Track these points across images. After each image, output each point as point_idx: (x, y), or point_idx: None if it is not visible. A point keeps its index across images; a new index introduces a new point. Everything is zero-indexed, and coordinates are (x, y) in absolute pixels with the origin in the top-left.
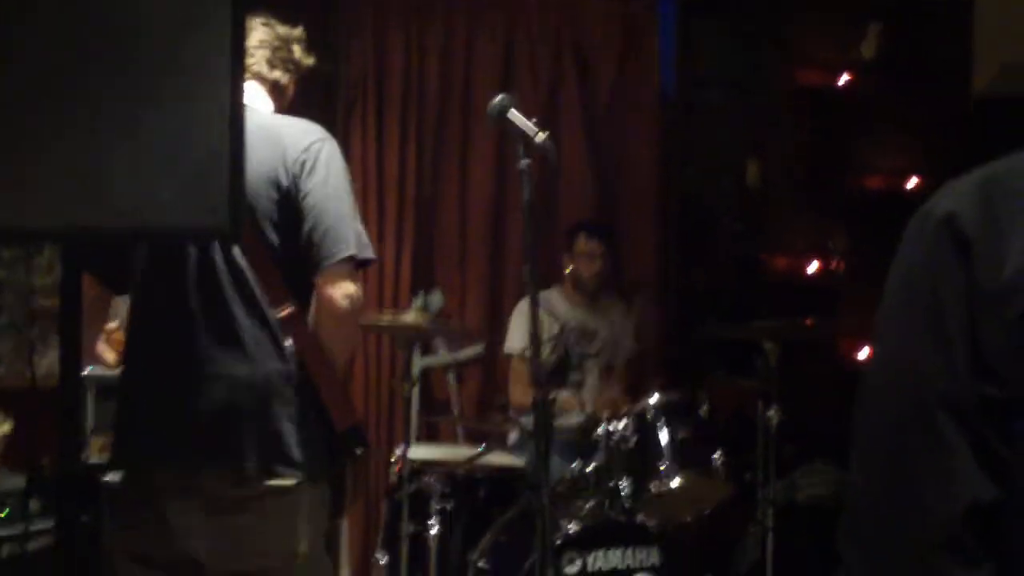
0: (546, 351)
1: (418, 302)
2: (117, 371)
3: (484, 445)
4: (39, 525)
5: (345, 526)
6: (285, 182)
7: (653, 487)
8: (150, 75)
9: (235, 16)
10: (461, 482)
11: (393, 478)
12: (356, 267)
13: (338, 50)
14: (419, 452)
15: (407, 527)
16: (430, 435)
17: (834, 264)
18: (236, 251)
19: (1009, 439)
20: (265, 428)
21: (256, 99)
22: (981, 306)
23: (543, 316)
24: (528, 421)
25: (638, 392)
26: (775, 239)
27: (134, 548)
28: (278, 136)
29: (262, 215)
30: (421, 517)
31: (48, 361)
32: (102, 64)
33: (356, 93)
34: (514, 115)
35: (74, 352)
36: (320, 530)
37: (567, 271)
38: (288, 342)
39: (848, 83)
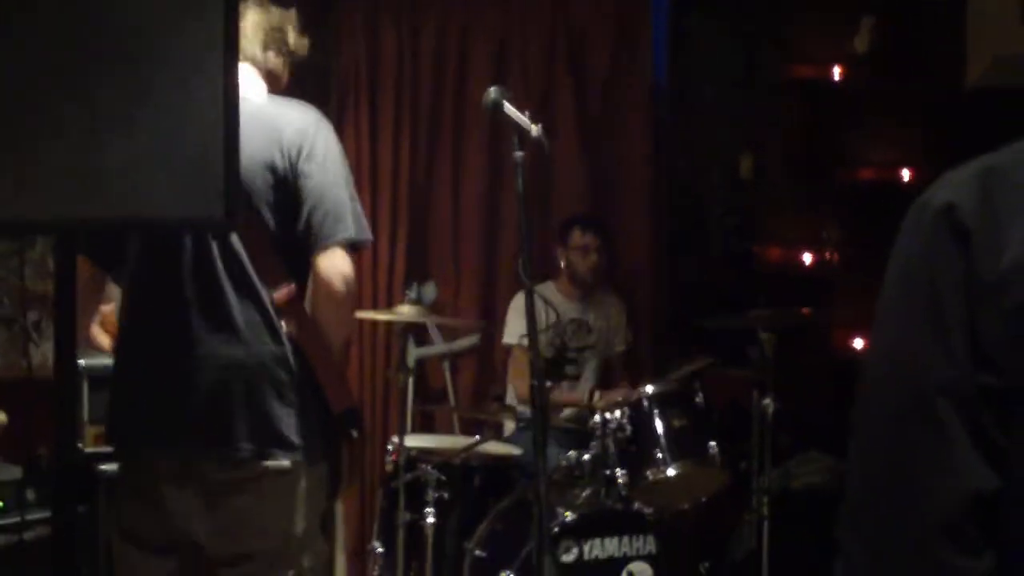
0: (543, 342)
1: (411, 294)
2: (110, 357)
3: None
4: (36, 515)
5: (341, 515)
6: (281, 165)
7: (649, 475)
8: (146, 69)
9: (228, 6)
10: (457, 471)
11: (389, 467)
12: (353, 249)
13: (331, 42)
14: (415, 441)
15: (403, 516)
16: (425, 425)
17: (828, 256)
18: (232, 236)
19: (1008, 428)
20: (261, 410)
21: (250, 83)
22: (979, 296)
23: (540, 307)
24: (525, 410)
25: (635, 384)
26: (769, 231)
27: (133, 532)
28: (273, 120)
29: (258, 199)
30: (417, 506)
31: (43, 351)
32: (98, 60)
33: (349, 85)
34: (508, 108)
35: (70, 341)
36: (317, 511)
37: (562, 265)
38: (284, 325)
39: (841, 76)
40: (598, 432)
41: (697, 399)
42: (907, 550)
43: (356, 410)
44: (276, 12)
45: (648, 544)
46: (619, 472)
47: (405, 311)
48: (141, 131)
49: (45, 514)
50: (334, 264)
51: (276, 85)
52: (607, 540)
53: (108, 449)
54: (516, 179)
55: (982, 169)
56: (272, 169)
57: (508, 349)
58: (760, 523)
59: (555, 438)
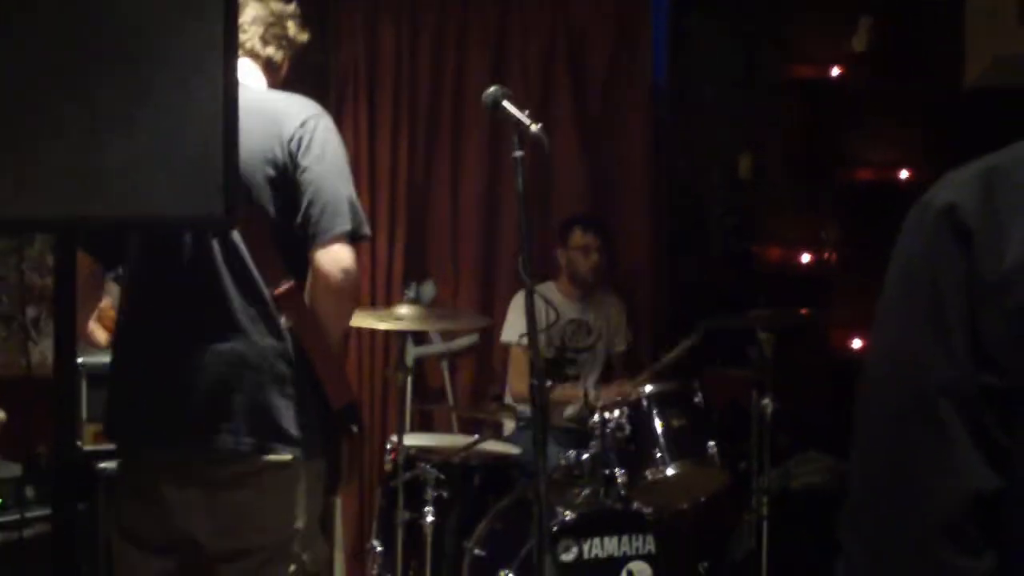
0: (542, 342)
1: (410, 293)
2: (107, 353)
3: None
4: (35, 512)
5: (339, 514)
6: (281, 159)
7: (649, 475)
8: (146, 69)
9: (228, 5)
10: (456, 470)
11: (388, 466)
12: (353, 242)
13: (330, 41)
14: (414, 440)
15: (402, 515)
16: (424, 424)
17: (827, 256)
18: (232, 231)
19: (1009, 428)
20: (262, 405)
21: (249, 76)
22: (981, 296)
23: (540, 307)
24: (525, 410)
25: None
26: (768, 231)
27: (133, 531)
28: (273, 113)
29: (258, 193)
30: (416, 505)
31: (42, 349)
32: (98, 60)
33: (348, 84)
34: (508, 105)
35: (69, 339)
36: (316, 506)
37: (562, 265)
38: (284, 319)
39: (841, 76)
40: (597, 432)
41: (696, 399)
42: (908, 550)
43: (356, 406)
44: (276, 5)
45: (647, 544)
46: (618, 472)
47: (404, 313)
48: (141, 131)
49: (45, 512)
50: (333, 256)
51: (275, 78)
52: (606, 539)
53: (107, 447)
54: (516, 178)
55: (984, 169)
56: (272, 163)
57: (507, 347)
58: (759, 523)
59: (555, 437)
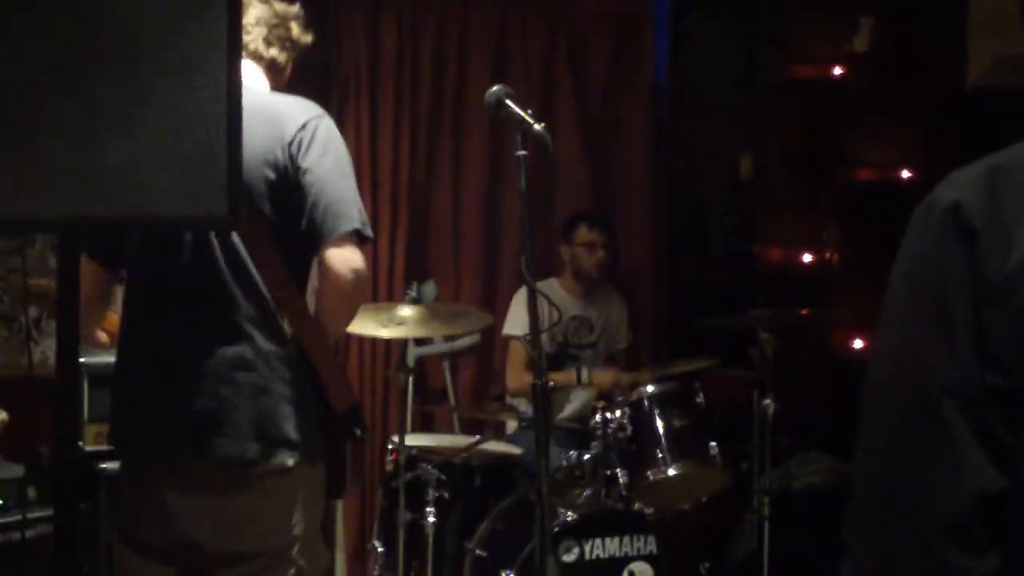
0: (545, 338)
1: (411, 292)
2: (110, 355)
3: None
4: (37, 513)
5: (341, 515)
6: (282, 162)
7: (650, 475)
8: (146, 69)
9: (231, 4)
10: (458, 470)
11: (389, 466)
12: (359, 242)
13: (332, 41)
14: (415, 441)
15: (404, 515)
16: (425, 424)
17: (827, 256)
18: (233, 233)
19: (1014, 428)
20: (264, 409)
21: (252, 78)
22: (986, 296)
23: (543, 303)
24: (527, 410)
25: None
26: (768, 231)
27: (133, 536)
28: (275, 115)
29: (260, 195)
30: (418, 505)
31: (43, 349)
32: (98, 60)
33: (349, 84)
34: (511, 104)
35: (71, 339)
36: (318, 511)
37: (566, 261)
38: (286, 323)
39: (841, 76)
40: (599, 432)
41: (697, 399)
42: (912, 550)
43: (359, 409)
44: (280, 7)
45: (649, 544)
46: (620, 472)
47: (405, 316)
48: (141, 131)
49: (46, 512)
50: (344, 257)
51: (279, 80)
52: (608, 540)
53: (109, 447)
54: (519, 177)
55: (988, 168)
56: (273, 165)
57: (507, 341)
58: (760, 523)
59: (556, 438)
